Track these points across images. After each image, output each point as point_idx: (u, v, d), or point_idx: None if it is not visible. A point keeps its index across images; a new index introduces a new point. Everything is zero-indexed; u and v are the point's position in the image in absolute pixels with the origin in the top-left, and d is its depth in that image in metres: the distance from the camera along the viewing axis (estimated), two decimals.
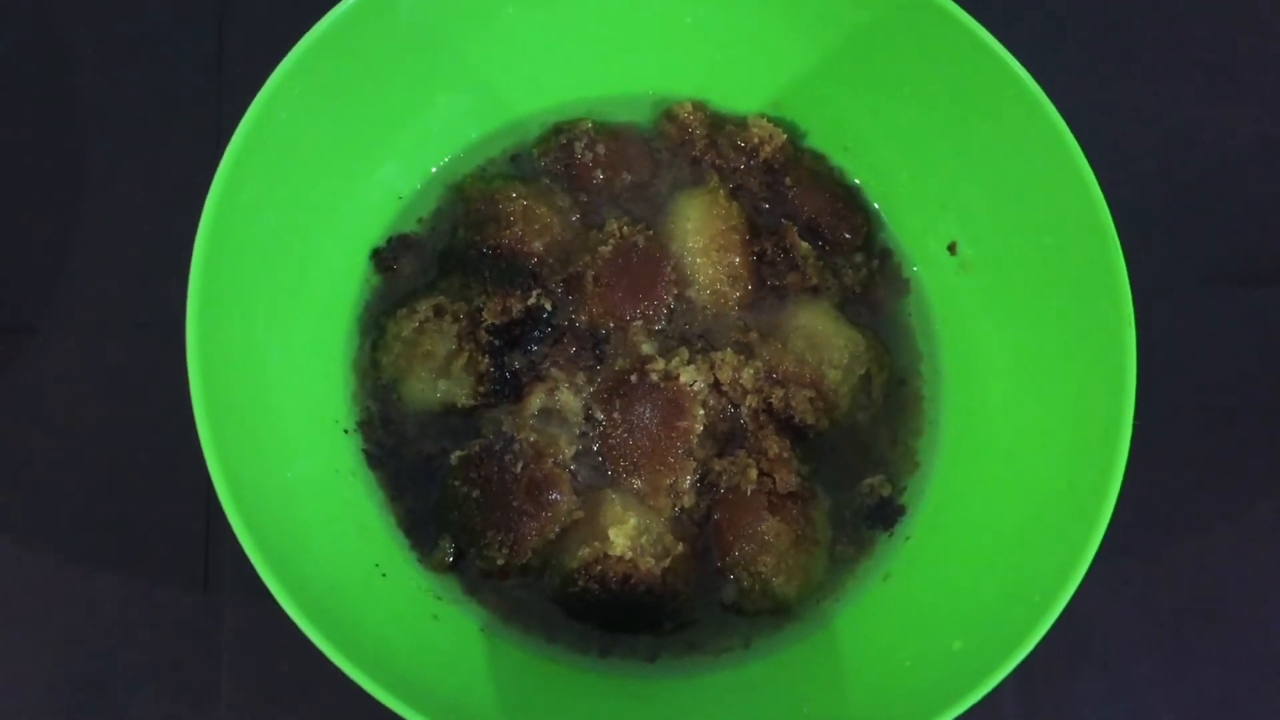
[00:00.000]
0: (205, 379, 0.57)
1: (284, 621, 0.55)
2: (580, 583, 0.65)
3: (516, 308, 0.69)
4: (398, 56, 0.68)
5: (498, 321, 0.68)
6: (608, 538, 0.64)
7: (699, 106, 0.76)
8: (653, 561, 0.65)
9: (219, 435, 0.56)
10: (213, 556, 0.73)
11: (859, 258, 0.75)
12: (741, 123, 0.76)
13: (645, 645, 0.67)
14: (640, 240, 0.71)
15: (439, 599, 0.66)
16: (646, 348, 0.69)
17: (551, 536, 0.66)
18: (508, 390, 0.68)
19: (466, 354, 0.68)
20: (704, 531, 0.68)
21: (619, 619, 0.66)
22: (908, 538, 0.69)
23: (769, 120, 0.75)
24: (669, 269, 0.71)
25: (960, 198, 0.71)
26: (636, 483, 0.67)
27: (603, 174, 0.74)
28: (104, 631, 0.71)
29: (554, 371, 0.68)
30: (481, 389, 0.68)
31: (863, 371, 0.71)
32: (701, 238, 0.72)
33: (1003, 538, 0.64)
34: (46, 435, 0.74)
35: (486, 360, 0.68)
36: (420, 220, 0.73)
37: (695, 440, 0.68)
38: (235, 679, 0.71)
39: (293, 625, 0.54)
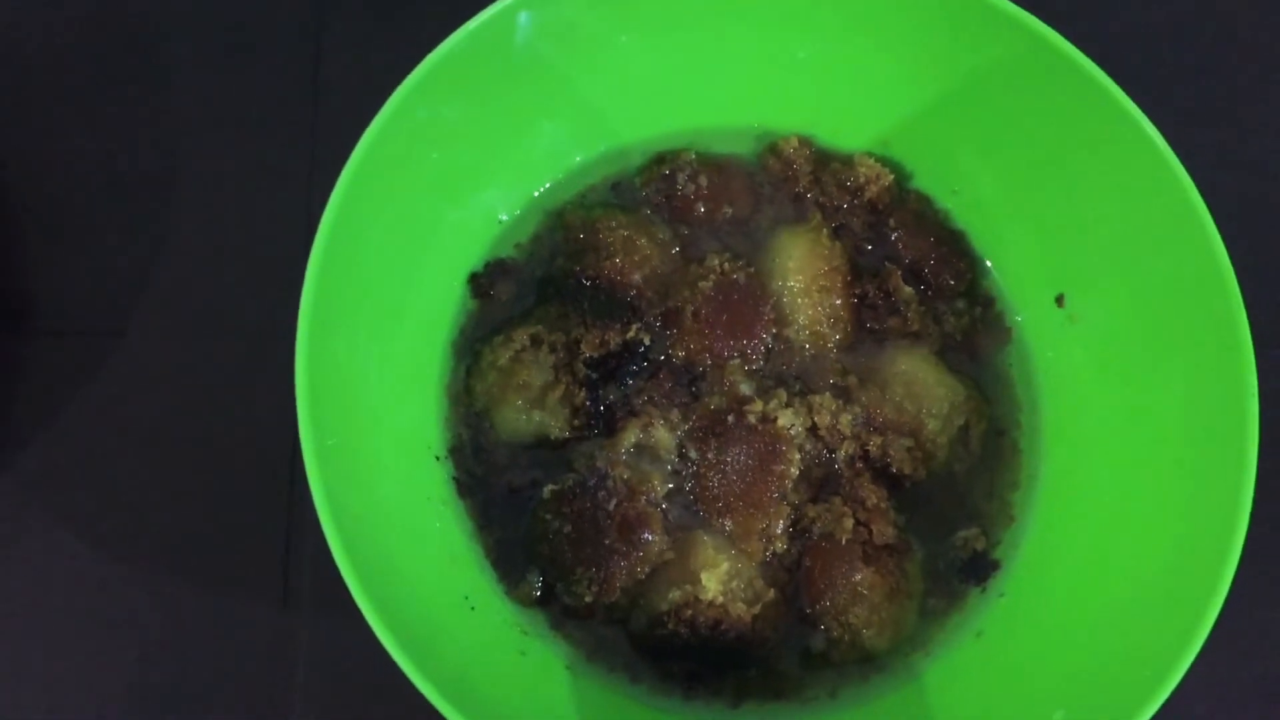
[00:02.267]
0: (311, 398, 0.56)
1: (360, 642, 0.54)
2: (669, 625, 0.63)
3: (614, 340, 0.68)
4: (508, 83, 0.67)
5: (595, 354, 0.67)
6: (699, 581, 0.63)
7: (804, 142, 0.75)
8: (744, 607, 0.63)
9: (320, 455, 0.56)
10: (292, 573, 0.72)
11: (961, 304, 0.73)
12: (847, 160, 0.74)
13: (730, 690, 0.65)
14: (740, 277, 0.70)
15: (525, 634, 0.65)
16: (744, 387, 0.68)
17: (641, 576, 0.65)
18: (601, 424, 0.67)
19: (563, 386, 0.67)
20: (794, 578, 0.66)
21: (705, 662, 0.65)
22: (1001, 594, 0.68)
23: (875, 159, 0.74)
24: (769, 308, 0.70)
25: (1072, 249, 0.70)
26: (728, 524, 0.66)
27: (704, 206, 0.73)
28: (178, 643, 0.71)
29: (649, 407, 0.67)
30: (576, 422, 0.67)
31: (961, 422, 0.70)
32: (803, 277, 0.70)
33: (1107, 603, 0.62)
34: (130, 440, 0.74)
35: (582, 393, 0.67)
36: (518, 245, 0.72)
37: (790, 484, 0.66)
38: (309, 698, 0.70)
39: (368, 647, 0.54)
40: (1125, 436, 0.66)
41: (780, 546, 0.66)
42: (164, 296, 0.77)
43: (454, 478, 0.67)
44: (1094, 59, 0.64)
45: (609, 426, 0.67)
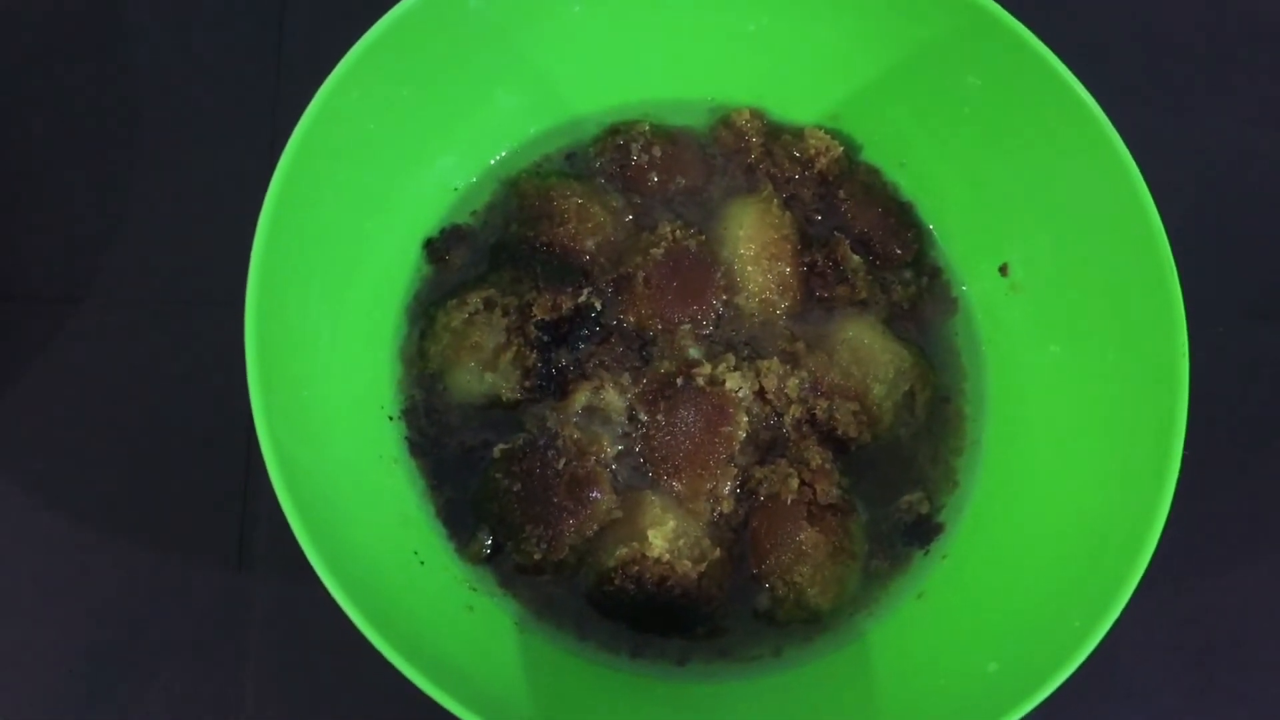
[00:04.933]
0: (260, 357, 0.57)
1: (314, 602, 0.55)
2: (616, 582, 0.65)
3: (566, 305, 0.69)
4: (462, 50, 0.68)
5: (547, 317, 0.68)
6: (646, 539, 0.64)
7: (756, 114, 0.76)
8: (689, 565, 0.65)
9: (270, 413, 0.56)
10: (247, 534, 0.73)
11: (908, 274, 0.75)
12: (798, 133, 0.76)
13: (676, 648, 0.67)
14: (692, 244, 0.71)
15: (474, 590, 0.66)
16: (693, 352, 0.69)
17: (590, 534, 0.66)
18: (553, 386, 0.68)
19: (515, 348, 0.68)
20: (740, 538, 0.68)
21: (652, 620, 0.66)
22: (944, 556, 0.69)
23: (825, 132, 0.75)
24: (719, 275, 0.71)
25: (1015, 220, 0.71)
26: (676, 485, 0.67)
27: (657, 176, 0.74)
28: (134, 604, 0.72)
29: (600, 370, 0.69)
30: (527, 384, 0.68)
31: (907, 387, 0.71)
32: (753, 245, 0.72)
33: (1042, 562, 0.64)
34: (87, 406, 0.75)
35: (534, 355, 0.68)
36: (474, 213, 0.74)
37: (737, 446, 0.68)
38: (262, 658, 0.71)
39: (323, 606, 0.54)
40: (1063, 403, 0.68)
41: (727, 507, 0.67)
42: (122, 263, 0.78)
43: (407, 438, 0.68)
44: (1040, 35, 0.66)
45: (560, 389, 0.68)
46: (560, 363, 0.69)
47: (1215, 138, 0.87)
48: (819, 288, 0.73)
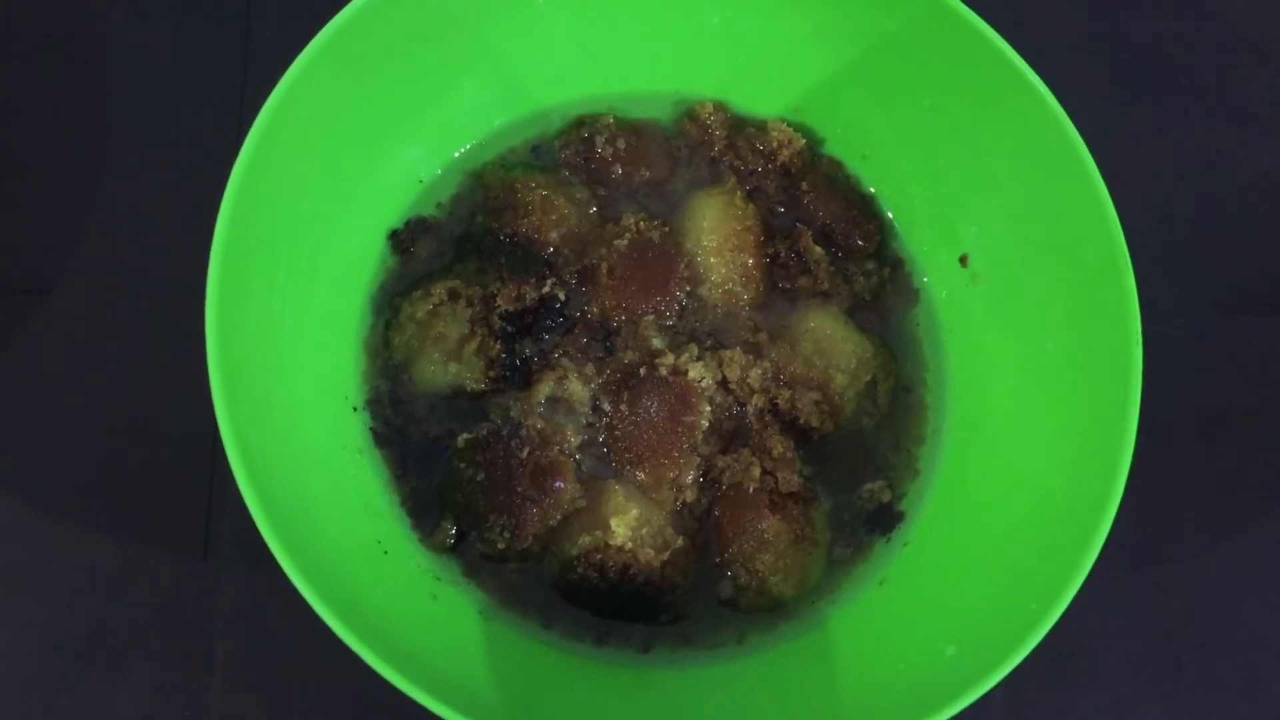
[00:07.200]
0: (222, 348, 0.57)
1: (281, 592, 0.55)
2: (579, 570, 0.65)
3: (530, 296, 0.69)
4: (428, 42, 0.69)
5: (511, 308, 0.69)
6: (609, 527, 0.65)
7: (720, 107, 0.77)
8: (652, 553, 0.65)
9: (233, 403, 0.57)
10: (213, 525, 0.73)
11: (870, 265, 0.75)
12: (761, 126, 0.76)
13: (640, 635, 0.67)
14: (655, 236, 0.72)
15: (438, 579, 0.66)
16: (656, 342, 0.70)
17: (553, 523, 0.66)
18: (517, 377, 0.69)
19: (479, 339, 0.68)
20: (704, 527, 0.68)
21: (615, 608, 0.67)
22: (905, 544, 0.70)
23: (788, 125, 0.76)
24: (682, 266, 0.72)
25: (975, 211, 0.72)
26: (640, 475, 0.67)
27: (622, 169, 0.75)
28: (100, 595, 0.72)
29: (564, 361, 0.69)
30: (491, 374, 0.68)
31: (869, 377, 0.72)
32: (716, 237, 0.72)
33: (1000, 547, 0.65)
34: (55, 396, 0.75)
35: (498, 346, 0.68)
36: (439, 205, 0.74)
37: (700, 436, 0.68)
38: (229, 647, 0.71)
39: (289, 596, 0.55)
40: (1021, 392, 0.69)
41: (690, 496, 0.68)
42: (90, 254, 0.78)
43: (371, 428, 0.69)
44: (998, 30, 0.67)
45: (524, 379, 0.69)
46: (524, 353, 0.69)
47: (1175, 133, 0.88)
48: (782, 279, 0.74)
